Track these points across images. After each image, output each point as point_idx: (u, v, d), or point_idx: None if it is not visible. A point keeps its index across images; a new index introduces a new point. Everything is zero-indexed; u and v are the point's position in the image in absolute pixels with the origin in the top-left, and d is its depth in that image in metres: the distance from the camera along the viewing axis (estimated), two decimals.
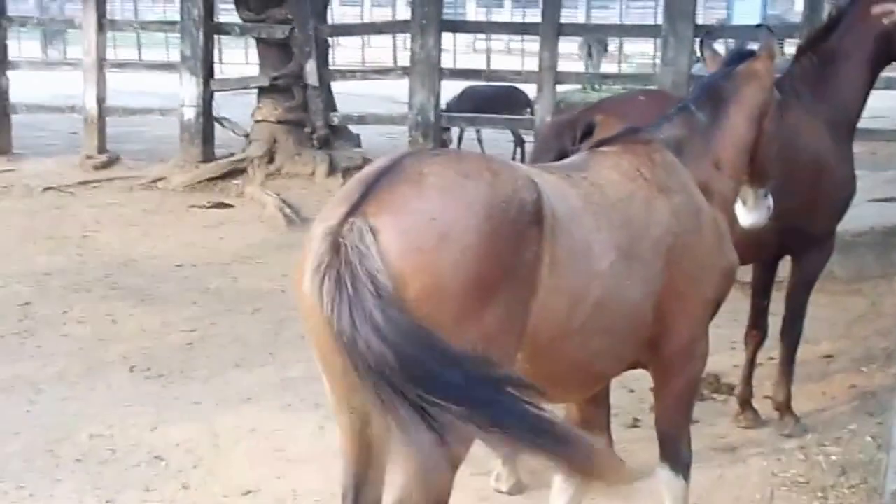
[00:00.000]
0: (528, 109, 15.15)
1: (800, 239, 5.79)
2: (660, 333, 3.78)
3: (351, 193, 2.97)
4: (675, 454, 4.10)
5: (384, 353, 2.69)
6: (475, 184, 2.97)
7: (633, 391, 6.19)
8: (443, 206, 2.90)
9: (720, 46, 4.88)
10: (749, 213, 4.48)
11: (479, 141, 16.43)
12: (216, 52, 14.56)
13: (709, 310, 3.99)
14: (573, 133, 5.19)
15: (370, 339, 2.70)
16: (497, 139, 16.76)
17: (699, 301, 3.90)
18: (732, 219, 4.29)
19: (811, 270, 5.97)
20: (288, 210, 11.47)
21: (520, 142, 15.54)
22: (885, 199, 10.36)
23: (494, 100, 15.17)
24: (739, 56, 4.39)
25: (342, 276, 2.76)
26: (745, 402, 6.11)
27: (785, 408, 6.03)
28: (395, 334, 2.70)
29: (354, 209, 2.88)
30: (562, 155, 4.87)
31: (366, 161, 11.04)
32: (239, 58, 27.05)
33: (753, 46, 4.43)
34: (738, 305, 6.03)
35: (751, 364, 6.18)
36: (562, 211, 3.26)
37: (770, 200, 4.50)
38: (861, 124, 6.08)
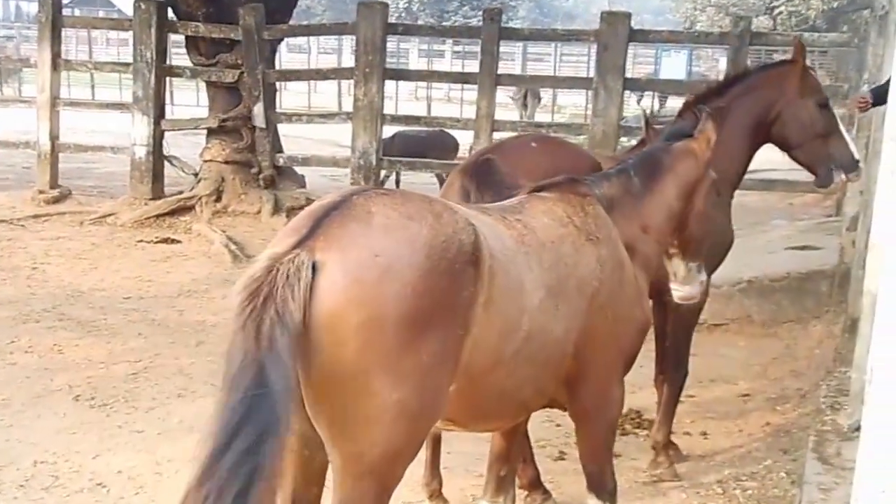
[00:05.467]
0: (456, 153, 15.28)
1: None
2: (577, 373, 3.85)
3: (300, 227, 3.00)
4: (601, 485, 4.19)
5: (259, 373, 2.74)
6: (418, 224, 3.02)
7: (559, 425, 6.23)
8: (386, 244, 2.93)
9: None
10: (681, 287, 4.55)
11: (397, 183, 16.34)
12: (167, 93, 14.48)
13: (622, 360, 4.07)
14: (470, 174, 5.14)
15: (257, 343, 2.76)
16: (414, 182, 16.72)
17: (614, 349, 3.98)
18: (649, 280, 4.35)
19: (688, 315, 5.92)
20: (233, 247, 11.43)
21: (442, 183, 15.55)
22: (800, 248, 10.55)
23: (424, 144, 15.22)
24: (679, 134, 4.51)
25: (261, 291, 2.81)
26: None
27: (661, 448, 5.95)
28: (272, 356, 2.75)
29: (302, 242, 2.91)
30: (464, 193, 4.90)
31: (309, 201, 11.02)
32: (189, 99, 26.98)
33: (691, 127, 4.53)
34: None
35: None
36: (497, 251, 3.31)
37: (703, 275, 4.58)
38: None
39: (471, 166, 5.20)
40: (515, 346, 3.39)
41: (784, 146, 6.02)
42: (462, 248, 3.08)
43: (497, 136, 12.01)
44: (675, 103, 25.80)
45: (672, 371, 6.06)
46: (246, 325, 2.79)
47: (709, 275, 5.94)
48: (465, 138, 15.39)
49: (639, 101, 33.13)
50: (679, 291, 4.55)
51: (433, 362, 2.99)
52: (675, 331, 6.04)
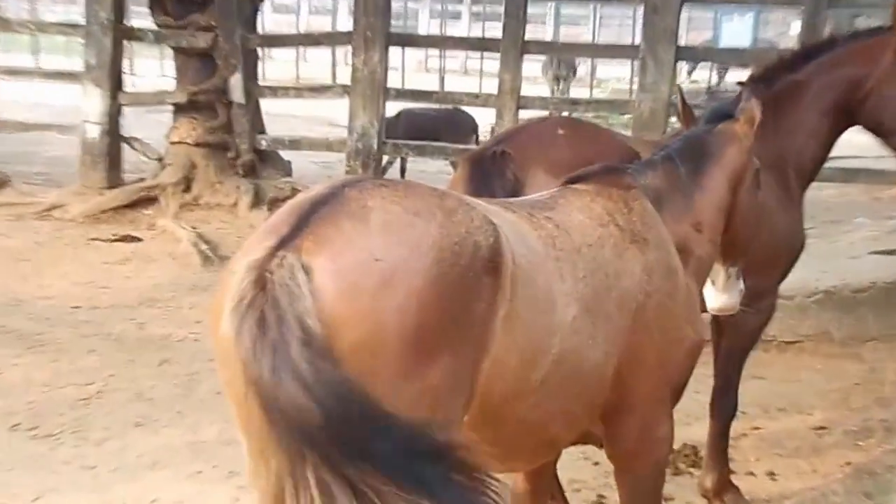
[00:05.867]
0: (475, 136, 15.21)
1: None
2: (616, 405, 3.83)
3: (280, 225, 2.96)
4: None
5: (309, 408, 2.66)
6: (425, 222, 2.99)
7: (597, 463, 6.19)
8: (387, 246, 2.90)
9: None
10: (719, 296, 4.54)
11: (403, 172, 16.38)
12: (126, 61, 14.50)
13: (670, 389, 4.05)
14: (476, 171, 5.15)
15: (293, 392, 2.67)
16: (424, 171, 16.73)
17: (660, 377, 3.95)
18: (702, 289, 4.33)
19: (746, 334, 5.94)
20: (204, 246, 11.45)
21: None
22: (889, 252, 10.47)
23: (435, 124, 15.23)
24: (719, 116, 4.51)
25: (266, 317, 2.74)
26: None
27: (714, 495, 5.96)
28: (323, 389, 2.67)
29: (285, 243, 2.87)
30: (475, 191, 4.88)
31: (296, 192, 11.03)
32: (153, 69, 27.01)
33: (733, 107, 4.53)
34: None
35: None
36: (522, 256, 3.29)
37: (741, 283, 4.58)
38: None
39: (477, 161, 5.18)
40: (543, 372, 3.37)
41: (878, 131, 5.98)
42: (479, 251, 3.06)
43: (524, 115, 12.00)
44: (738, 76, 25.72)
45: (718, 399, 6.04)
46: (255, 353, 2.73)
47: (776, 284, 5.95)
48: (484, 118, 15.42)
49: (690, 73, 33.11)
50: (716, 301, 4.54)
51: (442, 389, 2.97)
52: (728, 350, 6.02)
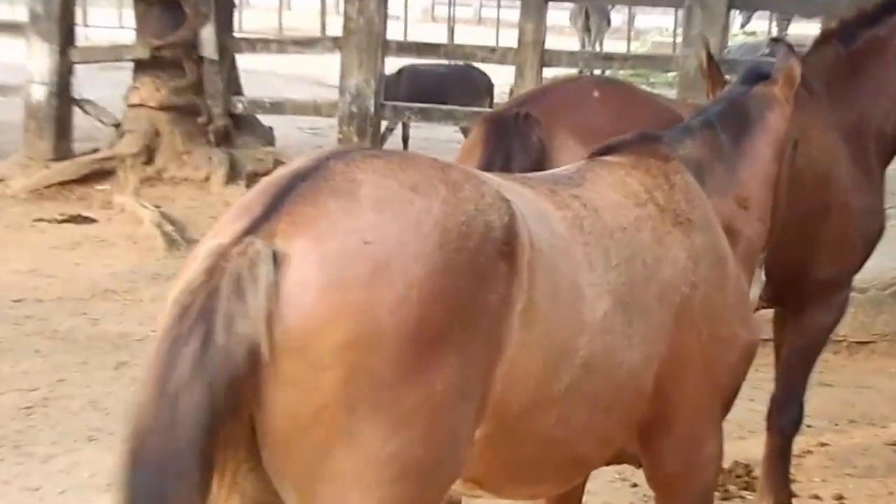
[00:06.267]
0: (489, 98, 15.21)
1: (800, 289, 5.80)
2: (656, 419, 3.81)
3: (253, 204, 2.94)
4: None
5: (159, 416, 2.72)
6: (426, 199, 2.97)
7: (635, 486, 6.21)
8: (380, 227, 2.88)
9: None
10: None
11: (405, 140, 16.39)
12: (78, 10, 14.51)
13: (719, 399, 4.03)
14: (495, 136, 5.12)
15: (156, 394, 2.72)
16: (429, 138, 16.69)
17: (709, 384, 3.93)
18: (751, 277, 4.33)
19: (813, 334, 5.93)
20: (170, 228, 11.47)
21: None
22: None
23: (443, 84, 15.24)
24: (754, 76, 4.52)
25: (191, 308, 2.76)
26: None
27: None
28: (181, 404, 2.70)
29: (257, 225, 2.85)
30: (487, 164, 4.88)
31: (279, 165, 11.03)
32: (109, 19, 27.02)
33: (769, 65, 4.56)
34: None
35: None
36: (543, 240, 3.27)
37: (763, 273, 4.57)
38: None
39: (496, 123, 5.17)
40: (569, 377, 3.35)
41: None
42: (490, 232, 3.04)
43: (548, 73, 11.98)
44: (802, 30, 25.60)
45: (778, 410, 6.00)
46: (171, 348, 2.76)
47: (850, 276, 5.95)
48: (502, 76, 15.40)
49: (743, 26, 33.01)
50: None
51: (449, 397, 2.95)
52: (793, 352, 6.00)
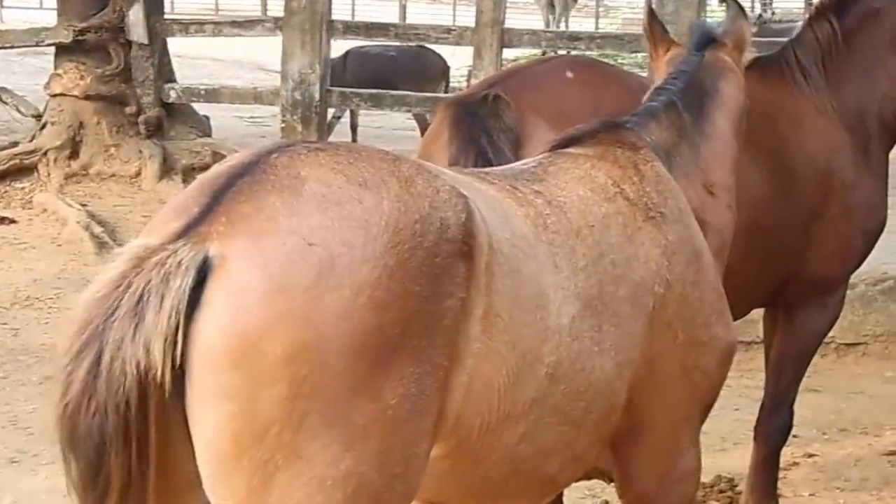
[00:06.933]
0: (444, 83, 15.22)
1: (794, 287, 5.83)
2: (629, 431, 3.83)
3: (190, 203, 2.94)
4: None
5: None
6: (375, 195, 2.97)
7: (606, 503, 6.22)
8: (325, 226, 2.88)
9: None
10: None
11: (354, 129, 16.41)
12: None
13: (697, 407, 4.05)
14: (462, 120, 5.10)
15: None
16: (382, 126, 16.67)
17: (686, 391, 3.95)
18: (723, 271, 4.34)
19: (808, 335, 5.97)
20: (98, 229, 11.43)
21: (424, 130, 15.59)
22: None
23: (394, 67, 15.26)
24: (707, 40, 4.51)
25: (96, 332, 2.78)
26: None
27: None
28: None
29: (192, 226, 2.85)
30: (455, 152, 4.88)
31: (217, 157, 11.01)
32: (28, 0, 26.91)
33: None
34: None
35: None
36: (503, 240, 3.27)
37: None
38: None
39: (465, 107, 5.16)
40: (534, 389, 3.35)
41: None
42: (446, 231, 3.04)
43: (509, 55, 11.99)
44: (792, 4, 25.70)
45: (767, 418, 6.03)
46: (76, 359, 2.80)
47: (848, 274, 5.98)
48: (458, 59, 15.41)
49: (722, 1, 33.09)
50: None
51: (403, 411, 2.95)
52: (784, 356, 6.02)
